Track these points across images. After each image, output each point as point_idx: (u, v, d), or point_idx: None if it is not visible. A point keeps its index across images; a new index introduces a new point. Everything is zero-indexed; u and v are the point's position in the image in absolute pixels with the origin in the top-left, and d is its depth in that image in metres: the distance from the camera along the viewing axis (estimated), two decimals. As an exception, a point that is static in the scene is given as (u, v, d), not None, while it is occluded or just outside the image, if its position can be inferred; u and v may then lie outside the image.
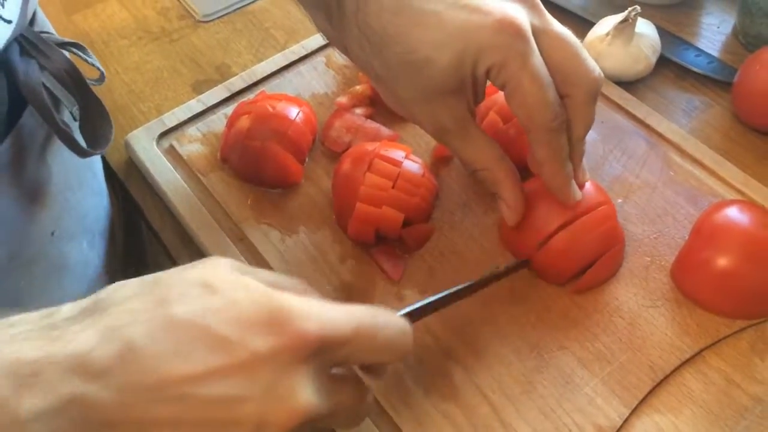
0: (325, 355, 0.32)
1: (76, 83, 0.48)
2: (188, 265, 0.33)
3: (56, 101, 0.48)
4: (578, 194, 0.47)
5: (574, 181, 0.47)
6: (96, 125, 0.50)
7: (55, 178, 0.51)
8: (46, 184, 0.50)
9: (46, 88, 0.47)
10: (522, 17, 0.41)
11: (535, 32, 0.41)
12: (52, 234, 0.51)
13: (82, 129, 0.50)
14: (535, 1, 0.43)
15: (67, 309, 0.31)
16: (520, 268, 0.49)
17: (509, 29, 0.40)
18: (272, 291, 0.32)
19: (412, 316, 0.41)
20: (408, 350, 0.36)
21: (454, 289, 0.45)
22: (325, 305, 0.33)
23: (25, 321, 0.30)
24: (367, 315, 0.34)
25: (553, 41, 0.42)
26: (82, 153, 0.49)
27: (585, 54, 0.43)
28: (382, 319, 0.35)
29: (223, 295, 0.31)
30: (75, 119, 0.50)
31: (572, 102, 0.43)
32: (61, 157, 0.51)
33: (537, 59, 0.41)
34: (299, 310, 0.32)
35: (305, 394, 0.31)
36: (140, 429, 0.29)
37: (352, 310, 0.34)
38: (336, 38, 0.47)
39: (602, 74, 0.44)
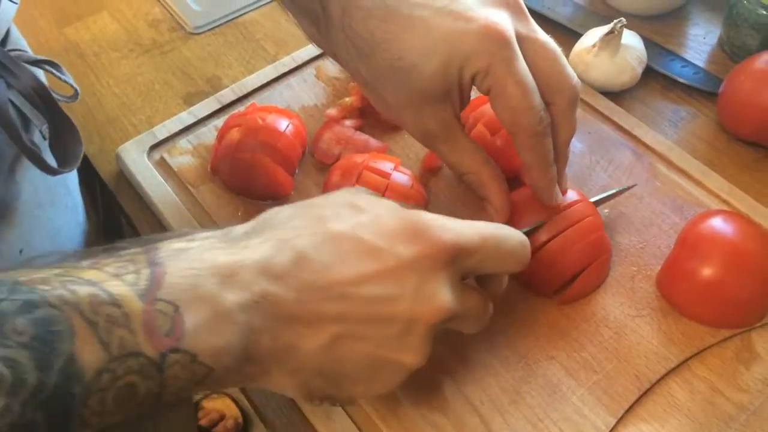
0: (458, 262, 0.38)
1: (45, 102, 0.49)
2: (331, 193, 0.40)
3: (26, 120, 0.48)
4: (560, 197, 0.48)
5: (557, 185, 0.48)
6: (66, 143, 0.51)
7: (24, 196, 0.51)
8: (14, 201, 0.50)
9: (15, 107, 0.47)
10: (506, 24, 0.42)
11: (520, 39, 0.42)
12: (20, 252, 0.51)
13: (52, 147, 0.50)
14: (521, 8, 0.43)
15: (241, 228, 0.37)
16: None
17: (494, 35, 0.41)
18: (408, 209, 0.38)
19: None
20: (526, 260, 0.41)
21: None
22: (455, 221, 0.38)
23: (206, 237, 0.36)
24: (491, 228, 0.40)
25: (537, 49, 0.43)
26: (50, 171, 0.49)
27: (566, 62, 0.44)
28: (505, 232, 0.40)
29: (369, 212, 0.37)
30: (44, 138, 0.50)
31: (556, 109, 0.44)
32: (30, 174, 0.51)
33: (521, 65, 0.42)
34: (435, 223, 0.37)
35: (445, 295, 0.37)
36: (314, 321, 0.35)
37: (479, 224, 0.39)
38: (324, 44, 0.48)
39: (580, 82, 0.45)
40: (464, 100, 0.45)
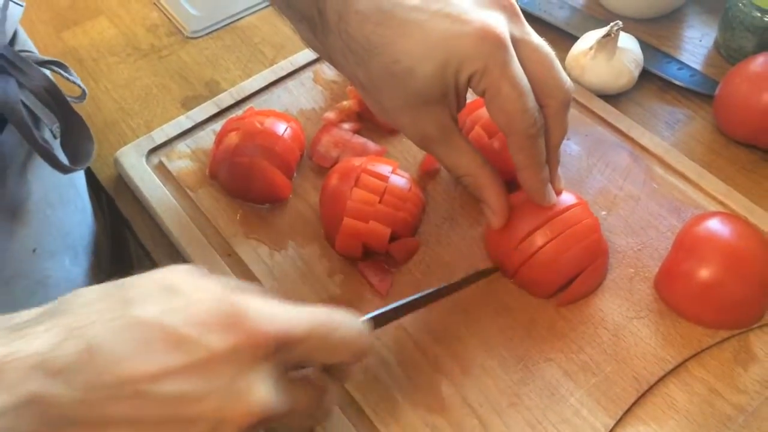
0: (282, 353, 0.33)
1: (56, 101, 0.49)
2: (150, 271, 0.34)
3: (36, 119, 0.49)
4: (554, 198, 0.48)
5: (549, 185, 0.48)
6: (77, 141, 0.51)
7: (36, 196, 0.51)
8: (26, 201, 0.50)
9: (26, 106, 0.47)
10: (502, 26, 0.42)
11: (514, 41, 0.43)
12: (34, 251, 0.51)
13: (64, 146, 0.51)
14: (516, 10, 0.44)
15: (30, 312, 0.32)
16: (486, 275, 0.50)
17: (490, 38, 0.41)
18: (231, 293, 0.33)
19: (378, 320, 0.42)
20: (364, 350, 0.37)
21: (419, 295, 0.46)
22: (281, 306, 0.34)
23: None
24: (322, 315, 0.35)
25: (531, 52, 0.43)
26: (63, 169, 0.49)
27: (559, 65, 0.44)
28: (338, 319, 0.36)
29: (184, 296, 0.32)
30: (55, 137, 0.50)
31: (548, 111, 0.45)
32: (41, 174, 0.52)
33: (516, 67, 0.42)
34: (256, 310, 0.33)
35: (262, 391, 0.32)
36: (100, 426, 0.30)
37: (308, 310, 0.35)
38: (321, 49, 0.48)
39: (572, 85, 0.45)
40: (460, 103, 0.45)
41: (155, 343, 0.30)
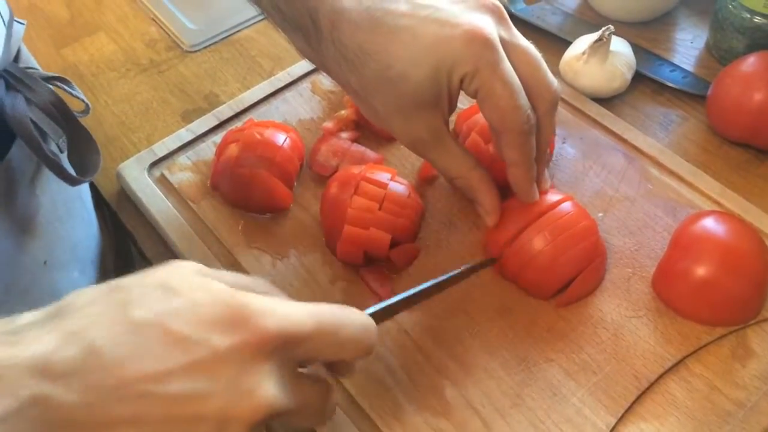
0: (287, 351, 0.33)
1: (62, 115, 0.50)
2: (149, 270, 0.33)
3: (43, 133, 0.49)
4: (537, 195, 0.50)
5: (535, 184, 0.49)
6: (84, 154, 0.52)
7: (45, 209, 0.52)
8: (36, 214, 0.51)
9: (33, 121, 0.48)
10: (490, 28, 0.43)
11: (503, 43, 0.44)
12: (45, 263, 0.52)
13: (71, 158, 0.52)
14: (503, 14, 0.45)
15: (28, 315, 0.31)
16: (484, 266, 0.51)
17: (479, 39, 0.42)
18: (233, 290, 0.33)
19: (379, 315, 0.42)
20: (371, 346, 0.37)
21: (420, 287, 0.46)
22: (285, 303, 0.34)
23: None
24: (327, 311, 0.35)
25: (519, 54, 0.45)
26: (71, 181, 0.50)
27: (546, 67, 0.46)
28: (344, 315, 0.36)
29: (184, 296, 0.32)
30: (61, 151, 0.51)
31: (537, 112, 0.46)
32: (49, 188, 0.53)
33: (507, 66, 0.43)
34: (259, 307, 0.32)
35: (268, 388, 0.32)
36: (104, 428, 0.30)
37: (313, 307, 0.35)
38: (315, 58, 0.49)
39: (559, 87, 0.47)
40: (452, 106, 0.46)
41: (157, 344, 0.30)
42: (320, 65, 0.49)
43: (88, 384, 0.29)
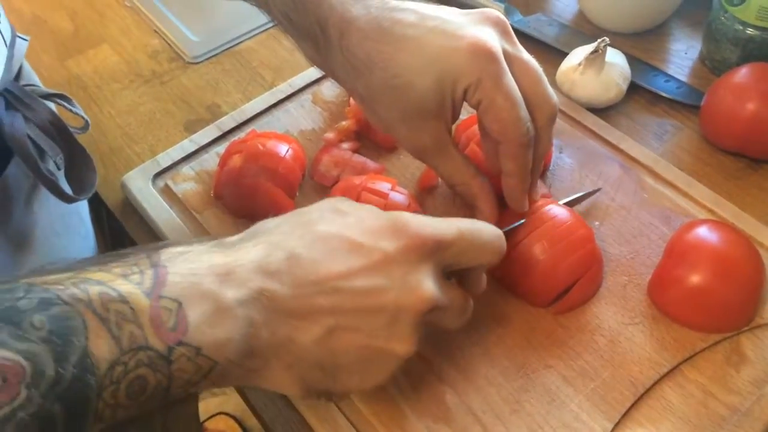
0: (438, 254, 0.40)
1: (60, 133, 0.51)
2: (316, 203, 0.41)
3: (41, 151, 0.50)
4: (527, 205, 0.51)
5: (526, 192, 0.50)
6: (81, 172, 0.53)
7: (41, 225, 0.53)
8: (32, 230, 0.52)
9: (31, 139, 0.49)
10: (494, 41, 0.44)
11: (506, 56, 0.45)
12: None
13: (68, 176, 0.53)
14: (507, 27, 0.46)
15: (234, 237, 0.39)
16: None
17: (483, 52, 0.44)
18: (386, 210, 0.41)
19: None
20: (502, 252, 0.43)
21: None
22: (431, 218, 0.41)
23: (202, 242, 0.38)
24: (467, 222, 0.42)
25: (521, 67, 0.46)
26: (67, 199, 0.51)
27: (546, 81, 0.47)
28: (480, 225, 0.43)
29: (353, 214, 0.40)
30: (59, 168, 0.52)
31: (535, 125, 0.47)
32: (47, 204, 0.53)
33: (509, 79, 0.45)
34: (414, 219, 0.40)
35: (429, 284, 0.39)
36: (309, 314, 0.37)
37: (456, 219, 0.42)
38: (324, 65, 0.50)
39: (558, 101, 0.48)
40: (455, 115, 0.47)
41: (340, 250, 0.38)
42: (329, 72, 0.51)
43: (295, 280, 0.37)
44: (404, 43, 0.44)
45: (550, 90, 0.47)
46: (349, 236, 0.38)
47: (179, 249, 0.36)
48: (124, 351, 0.32)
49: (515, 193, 0.50)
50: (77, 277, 0.33)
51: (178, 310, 0.33)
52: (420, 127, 0.47)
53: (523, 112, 0.45)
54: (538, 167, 0.50)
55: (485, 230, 0.42)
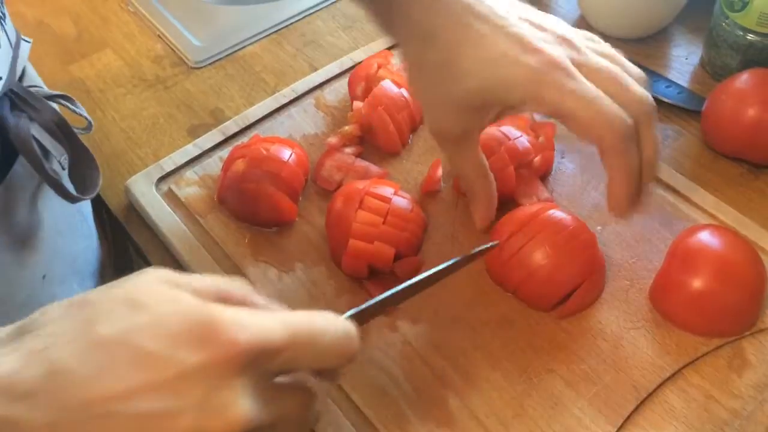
0: (261, 364, 0.32)
1: (64, 133, 0.51)
2: (117, 281, 0.33)
3: (45, 151, 0.51)
4: (629, 214, 0.47)
5: (631, 199, 0.46)
6: (84, 172, 0.53)
7: (45, 224, 0.53)
8: (36, 229, 0.52)
9: (36, 140, 0.49)
10: (557, 52, 0.43)
11: (575, 65, 0.43)
12: (43, 278, 0.53)
13: (71, 176, 0.53)
14: (572, 41, 0.45)
15: (0, 331, 0.31)
16: (474, 258, 0.48)
17: (544, 64, 0.42)
18: (201, 303, 0.31)
19: (362, 316, 0.40)
20: (353, 352, 0.35)
21: (401, 287, 0.44)
22: (257, 314, 0.32)
23: None
24: (303, 321, 0.33)
25: (592, 73, 0.44)
26: (71, 199, 0.51)
27: (629, 79, 0.44)
28: (321, 323, 0.34)
29: (149, 310, 0.31)
30: (63, 168, 0.53)
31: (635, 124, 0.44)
32: (51, 203, 0.54)
33: (577, 82, 0.42)
34: (229, 320, 0.31)
35: (242, 405, 0.30)
36: None
37: (288, 316, 0.33)
38: (386, 28, 0.50)
39: (649, 97, 0.44)
40: (494, 118, 0.47)
41: (122, 362, 0.29)
42: (390, 34, 0.50)
43: (52, 404, 0.29)
44: (470, 35, 0.43)
45: (636, 88, 0.44)
46: (136, 343, 0.30)
47: None
48: None
49: (616, 195, 0.45)
50: None
51: None
52: (455, 115, 0.46)
53: (604, 106, 0.42)
54: (647, 171, 0.46)
55: (329, 329, 0.34)
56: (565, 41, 0.45)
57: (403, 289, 0.43)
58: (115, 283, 0.33)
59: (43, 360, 0.29)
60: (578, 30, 0.47)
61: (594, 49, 0.46)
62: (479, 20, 0.44)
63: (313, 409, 0.36)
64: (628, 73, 0.45)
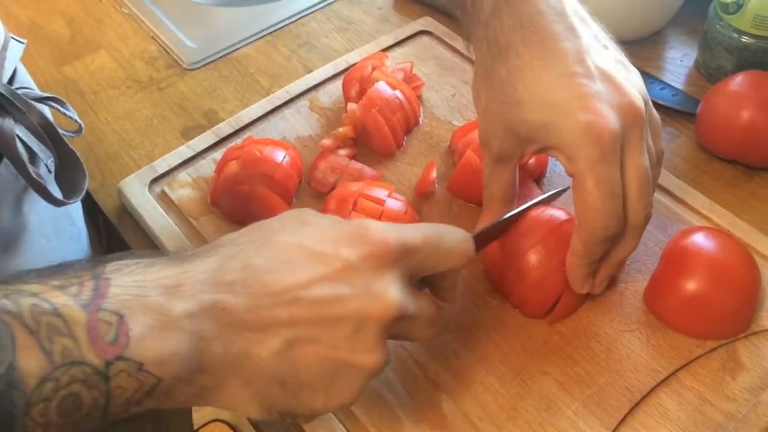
0: (403, 261, 0.39)
1: (51, 137, 0.51)
2: (277, 215, 0.41)
3: (32, 154, 0.50)
4: (585, 288, 0.49)
5: (588, 277, 0.48)
6: (71, 176, 0.53)
7: (31, 227, 0.53)
8: (21, 232, 0.52)
9: (22, 142, 0.49)
10: (612, 131, 0.42)
11: (623, 149, 0.43)
12: None
13: (58, 180, 0.53)
14: (638, 122, 0.43)
15: (191, 251, 0.38)
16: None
17: (592, 134, 0.42)
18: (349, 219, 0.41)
19: (480, 239, 0.47)
20: (469, 256, 0.42)
21: (516, 211, 0.50)
22: (395, 224, 0.41)
23: (153, 254, 0.37)
24: (430, 227, 0.42)
25: (631, 169, 0.44)
26: (56, 203, 0.51)
27: (649, 193, 0.45)
28: (444, 229, 0.42)
29: (314, 224, 0.39)
30: (50, 171, 0.52)
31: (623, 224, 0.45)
32: (36, 206, 0.53)
33: (608, 169, 0.43)
34: (378, 226, 0.39)
35: (394, 291, 0.38)
36: (266, 327, 0.36)
37: (419, 225, 0.42)
38: (462, 30, 0.51)
39: (651, 214, 0.46)
40: (536, 152, 0.47)
41: (299, 260, 0.37)
42: (465, 36, 0.51)
43: (251, 291, 0.36)
44: (538, 67, 0.44)
45: (647, 201, 0.45)
46: (308, 245, 0.37)
47: (126, 261, 0.35)
48: (56, 366, 0.30)
49: (572, 272, 0.48)
50: (10, 288, 0.32)
51: (119, 323, 0.32)
52: (503, 133, 0.47)
53: (612, 207, 0.43)
54: (613, 263, 0.48)
55: (450, 235, 0.42)
56: (631, 116, 0.43)
57: (518, 212, 0.50)
58: (275, 216, 0.40)
59: (238, 259, 0.37)
60: (645, 92, 0.46)
61: (651, 120, 0.46)
62: (553, 58, 0.43)
63: (441, 314, 0.42)
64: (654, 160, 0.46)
